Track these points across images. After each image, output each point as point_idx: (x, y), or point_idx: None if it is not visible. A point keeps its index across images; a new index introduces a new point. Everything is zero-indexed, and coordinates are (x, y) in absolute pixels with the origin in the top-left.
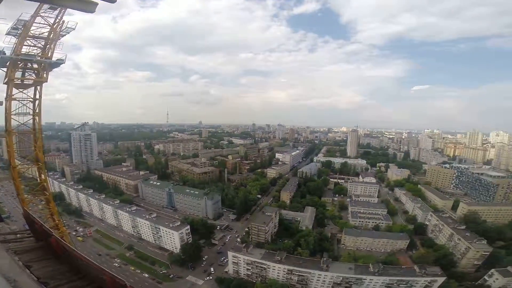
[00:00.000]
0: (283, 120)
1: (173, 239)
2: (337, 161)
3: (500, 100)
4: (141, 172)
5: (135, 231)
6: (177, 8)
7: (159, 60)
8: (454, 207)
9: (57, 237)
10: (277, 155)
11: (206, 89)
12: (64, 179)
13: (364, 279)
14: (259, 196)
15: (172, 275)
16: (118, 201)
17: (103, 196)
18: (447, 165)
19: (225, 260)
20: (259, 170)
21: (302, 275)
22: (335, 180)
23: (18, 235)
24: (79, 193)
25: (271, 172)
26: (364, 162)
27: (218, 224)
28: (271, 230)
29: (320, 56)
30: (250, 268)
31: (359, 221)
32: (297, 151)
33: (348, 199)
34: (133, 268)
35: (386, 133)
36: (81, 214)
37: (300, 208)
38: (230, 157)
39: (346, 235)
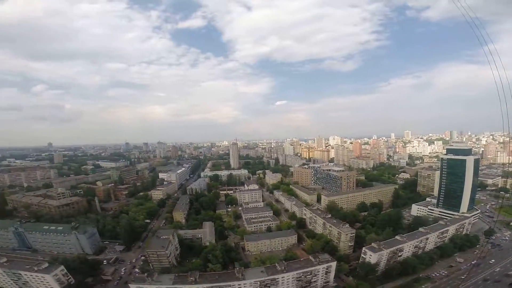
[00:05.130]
0: (164, 137)
1: (46, 284)
2: (223, 173)
3: (332, 111)
4: None
5: None
6: (30, 5)
7: None
8: (319, 200)
9: None
10: (161, 175)
11: (59, 103)
12: None
13: (277, 278)
14: (147, 221)
15: None
16: None
17: None
18: (306, 166)
19: None
20: (141, 193)
21: None
22: (225, 192)
23: None
24: None
25: (157, 194)
26: (246, 171)
27: (103, 259)
28: (174, 253)
29: (201, 71)
30: None
31: (254, 226)
32: (183, 169)
33: (240, 208)
34: None
35: (259, 143)
36: None
37: (197, 224)
38: (99, 183)
39: (248, 241)
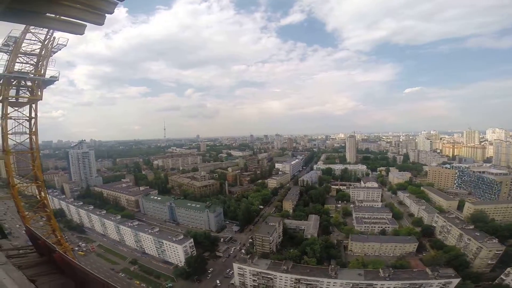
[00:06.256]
0: (280, 130)
1: (177, 253)
2: (337, 167)
3: (489, 98)
4: (141, 188)
5: (138, 245)
6: (168, 23)
7: (153, 75)
8: (460, 207)
9: (61, 252)
10: (277, 165)
11: (202, 103)
12: (64, 196)
13: (375, 284)
14: (261, 206)
15: None
16: (120, 217)
17: (104, 212)
18: (448, 165)
19: (231, 272)
20: (259, 181)
21: (310, 284)
22: (337, 187)
23: (20, 251)
24: (79, 210)
25: (272, 183)
26: (364, 167)
27: (221, 236)
28: (276, 240)
29: (311, 64)
30: (256, 279)
31: (365, 227)
32: (297, 160)
33: (352, 205)
34: (137, 282)
35: (383, 137)
36: (83, 229)
37: (303, 216)
38: (230, 169)
39: (353, 241)
